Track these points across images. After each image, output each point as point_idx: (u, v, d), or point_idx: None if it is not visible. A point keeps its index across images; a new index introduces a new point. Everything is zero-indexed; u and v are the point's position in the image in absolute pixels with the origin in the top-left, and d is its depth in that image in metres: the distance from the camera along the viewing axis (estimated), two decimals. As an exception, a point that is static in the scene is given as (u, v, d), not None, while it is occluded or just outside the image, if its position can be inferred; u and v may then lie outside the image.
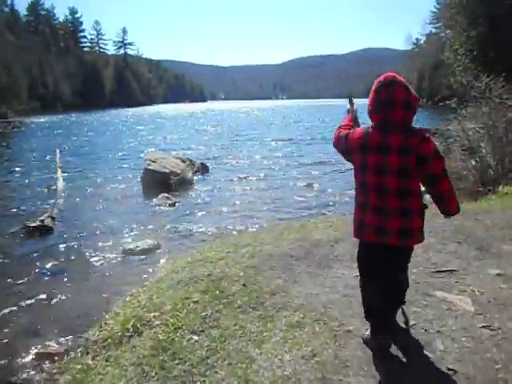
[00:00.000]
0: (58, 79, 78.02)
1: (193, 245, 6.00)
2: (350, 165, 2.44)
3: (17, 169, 13.99)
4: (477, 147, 9.82)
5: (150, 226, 7.37)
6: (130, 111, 66.82)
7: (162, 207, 8.72)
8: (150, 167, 10.90)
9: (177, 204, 8.92)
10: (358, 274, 2.59)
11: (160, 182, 10.62)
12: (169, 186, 10.69)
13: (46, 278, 5.26)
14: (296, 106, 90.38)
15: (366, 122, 2.45)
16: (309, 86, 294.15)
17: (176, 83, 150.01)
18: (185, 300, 3.20)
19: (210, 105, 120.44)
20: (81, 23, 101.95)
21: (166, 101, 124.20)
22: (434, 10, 64.49)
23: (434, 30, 68.10)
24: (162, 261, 5.42)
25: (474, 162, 10.15)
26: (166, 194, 9.36)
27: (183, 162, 12.37)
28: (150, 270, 5.06)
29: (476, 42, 12.75)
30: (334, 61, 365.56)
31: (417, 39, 78.88)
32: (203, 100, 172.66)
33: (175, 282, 3.60)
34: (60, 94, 77.87)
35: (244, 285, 3.31)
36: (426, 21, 73.69)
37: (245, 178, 11.90)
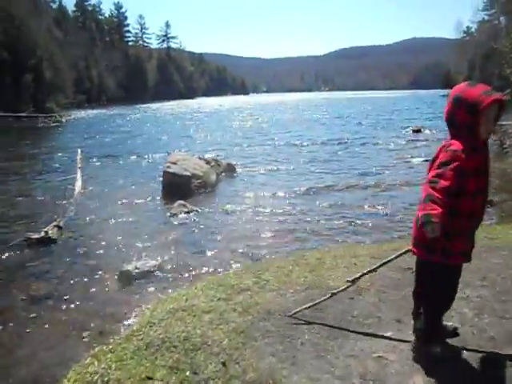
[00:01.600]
0: (102, 73, 79.98)
1: (196, 271, 5.19)
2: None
3: (38, 168, 13.73)
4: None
5: (158, 241, 6.61)
6: (170, 105, 67.03)
7: (176, 217, 7.95)
8: (170, 170, 10.19)
9: (193, 214, 8.11)
10: (379, 354, 2.43)
11: (180, 187, 9.89)
12: (190, 190, 9.95)
13: (22, 306, 4.61)
14: (342, 100, 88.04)
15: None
16: (351, 77, 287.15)
17: (218, 76, 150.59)
18: (145, 382, 2.40)
19: (251, 98, 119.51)
20: (125, 18, 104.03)
21: (207, 93, 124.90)
22: (488, -5, 60.35)
23: (486, 17, 64.00)
24: (153, 289, 4.65)
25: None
26: (183, 202, 8.59)
27: (207, 162, 11.60)
28: (137, 308, 4.28)
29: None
30: (377, 51, 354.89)
31: (467, 27, 74.54)
32: (245, 93, 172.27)
33: (144, 345, 2.80)
34: (105, 87, 79.84)
35: (224, 363, 2.45)
36: (478, 7, 69.22)
37: (276, 184, 10.53)
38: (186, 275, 5.11)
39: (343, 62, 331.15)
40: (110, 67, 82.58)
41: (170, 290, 4.15)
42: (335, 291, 2.91)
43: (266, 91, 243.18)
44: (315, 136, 20.30)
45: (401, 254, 2.95)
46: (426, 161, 12.91)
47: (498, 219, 7.10)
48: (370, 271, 2.89)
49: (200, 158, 11.82)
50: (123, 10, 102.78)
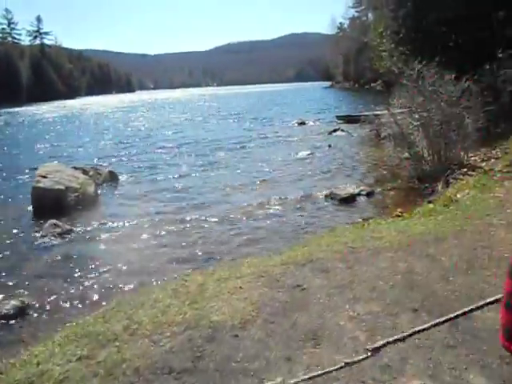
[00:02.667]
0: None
1: (62, 313, 4.43)
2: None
3: None
4: (412, 140, 8.98)
5: (23, 273, 5.63)
6: (46, 107, 61.42)
7: (47, 241, 6.92)
8: (39, 184, 8.96)
9: (67, 235, 7.15)
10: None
11: (53, 203, 8.75)
12: (65, 206, 8.84)
13: None
14: (231, 94, 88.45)
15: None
16: (239, 72, 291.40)
17: (101, 73, 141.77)
18: None
19: (138, 95, 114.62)
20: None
21: (90, 92, 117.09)
22: (356, -7, 65.01)
23: (356, 14, 68.96)
24: (7, 343, 3.82)
25: (407, 154, 9.36)
26: (55, 221, 7.54)
27: (85, 172, 10.48)
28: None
29: (403, 24, 11.99)
30: (262, 46, 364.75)
31: (341, 23, 79.63)
32: (131, 90, 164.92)
33: None
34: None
35: None
36: (348, 5, 74.34)
37: (161, 194, 9.69)
38: (52, 320, 4.32)
39: (230, 57, 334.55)
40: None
41: (29, 347, 3.37)
42: (349, 361, 2.35)
43: (154, 88, 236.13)
44: (203, 137, 19.73)
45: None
46: (311, 154, 13.26)
47: (381, 211, 7.33)
48: (396, 340, 2.47)
49: (76, 168, 10.66)
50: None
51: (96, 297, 4.77)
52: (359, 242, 4.18)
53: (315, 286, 3.29)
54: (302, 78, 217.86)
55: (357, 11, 68.76)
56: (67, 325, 3.38)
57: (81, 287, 5.07)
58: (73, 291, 4.98)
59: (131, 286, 4.84)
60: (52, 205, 8.72)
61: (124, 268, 5.48)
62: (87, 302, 4.69)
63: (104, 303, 4.26)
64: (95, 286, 5.03)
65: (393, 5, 12.28)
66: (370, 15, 53.29)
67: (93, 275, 5.35)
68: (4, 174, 12.91)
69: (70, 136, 23.20)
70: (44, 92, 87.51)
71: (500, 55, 9.91)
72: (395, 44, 13.01)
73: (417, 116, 8.63)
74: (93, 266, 5.66)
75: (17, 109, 55.22)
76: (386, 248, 3.97)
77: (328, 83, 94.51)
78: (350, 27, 71.46)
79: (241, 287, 3.33)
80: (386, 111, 9.63)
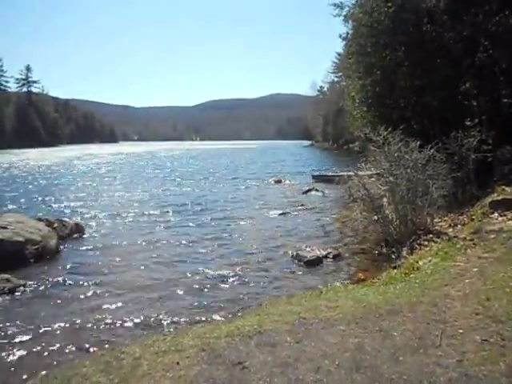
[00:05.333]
0: None
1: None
2: None
3: None
4: (379, 204, 9.04)
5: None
6: (26, 155, 60.97)
7: (-6, 298, 6.51)
8: (-3, 236, 8.63)
9: (17, 291, 6.75)
10: None
11: (11, 256, 8.36)
12: (23, 259, 8.46)
13: None
14: (212, 149, 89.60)
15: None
16: (221, 127, 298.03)
17: (85, 123, 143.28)
18: None
19: (120, 147, 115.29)
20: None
21: (73, 141, 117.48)
22: (336, 60, 68.47)
23: (335, 79, 72.25)
24: None
25: (376, 217, 9.39)
26: (7, 275, 7.17)
27: (49, 224, 10.15)
28: None
29: (371, 90, 12.48)
30: (245, 105, 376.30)
31: (321, 86, 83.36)
32: (114, 140, 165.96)
33: None
34: None
35: None
36: (328, 70, 78.27)
37: (128, 247, 9.50)
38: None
39: (213, 113, 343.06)
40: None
41: None
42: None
43: (138, 140, 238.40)
44: (184, 196, 19.65)
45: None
46: (283, 214, 13.23)
47: (345, 275, 7.20)
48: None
49: (40, 220, 10.33)
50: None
51: (26, 367, 4.32)
52: (312, 313, 4.00)
53: (258, 363, 3.07)
54: (282, 135, 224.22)
55: (336, 76, 72.09)
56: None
57: (15, 352, 4.66)
58: (6, 355, 4.57)
59: (68, 356, 4.44)
60: (9, 257, 8.32)
61: (67, 332, 5.09)
62: (21, 371, 4.28)
63: (32, 378, 3.88)
64: (32, 352, 4.62)
65: (362, 73, 12.83)
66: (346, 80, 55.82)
67: (31, 338, 4.95)
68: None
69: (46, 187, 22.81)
70: (27, 139, 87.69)
71: (467, 123, 10.30)
72: (366, 109, 13.49)
73: (384, 181, 8.74)
74: (35, 327, 5.27)
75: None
76: (339, 320, 3.80)
77: (308, 142, 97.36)
78: (330, 90, 74.63)
79: (178, 363, 3.08)
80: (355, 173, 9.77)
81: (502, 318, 3.62)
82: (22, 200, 16.79)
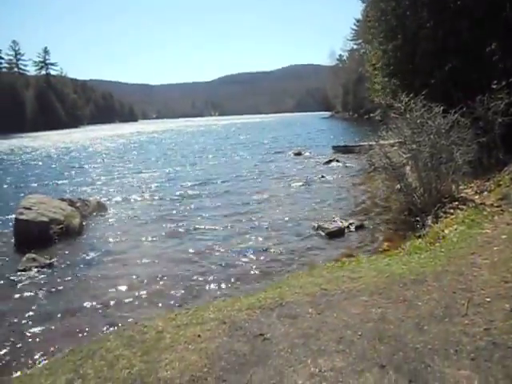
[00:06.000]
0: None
1: (28, 354, 4.15)
2: None
3: None
4: (402, 173, 8.83)
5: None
6: (49, 136, 61.90)
7: (24, 276, 6.67)
8: (22, 217, 8.77)
9: (45, 270, 6.91)
10: None
11: (36, 236, 8.54)
12: (48, 239, 8.64)
13: None
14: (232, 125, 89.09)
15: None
16: (239, 102, 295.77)
17: (104, 103, 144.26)
18: None
19: (140, 125, 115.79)
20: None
21: (93, 121, 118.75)
22: (354, 27, 66.42)
23: (355, 47, 70.27)
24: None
25: (399, 186, 9.19)
26: (34, 255, 7.33)
27: (71, 204, 10.31)
28: None
29: (392, 56, 12.05)
30: (263, 78, 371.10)
31: (340, 55, 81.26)
32: (134, 119, 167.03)
33: None
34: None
35: None
36: (347, 37, 76.01)
37: (151, 225, 9.48)
38: (7, 366, 4.04)
39: (231, 88, 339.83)
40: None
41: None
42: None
43: (156, 117, 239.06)
44: (201, 168, 19.68)
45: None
46: (304, 185, 13.11)
47: (368, 246, 7.10)
48: None
49: (63, 200, 10.49)
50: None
51: (59, 340, 4.47)
52: (334, 284, 3.94)
53: (279, 334, 3.05)
54: (302, 108, 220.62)
55: (355, 44, 70.08)
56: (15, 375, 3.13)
57: (44, 328, 4.79)
58: (37, 331, 4.71)
59: (93, 331, 4.53)
60: (35, 237, 8.52)
61: (91, 309, 5.20)
62: (49, 345, 4.40)
63: (66, 348, 3.99)
64: (60, 328, 4.75)
65: (382, 38, 12.36)
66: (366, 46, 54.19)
67: (59, 315, 5.07)
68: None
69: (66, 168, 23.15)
70: (48, 121, 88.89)
71: (494, 86, 9.84)
72: (387, 76, 13.07)
73: (406, 148, 8.50)
74: (63, 304, 5.41)
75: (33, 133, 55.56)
76: (362, 291, 3.73)
77: (328, 113, 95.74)
78: (349, 59, 72.75)
79: (199, 336, 3.09)
80: (377, 144, 9.53)
81: (533, 286, 3.49)
82: (46, 182, 17.11)
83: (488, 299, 3.38)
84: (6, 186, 16.46)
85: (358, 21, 59.87)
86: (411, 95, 8.48)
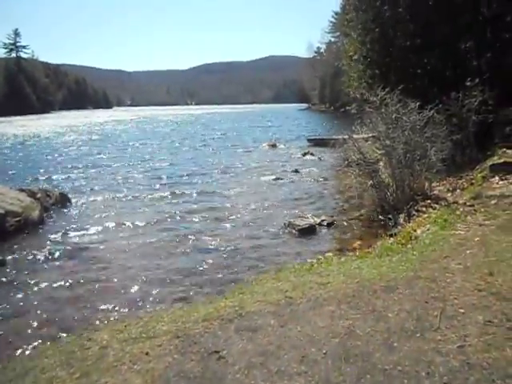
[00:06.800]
0: None
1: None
2: None
3: None
4: (376, 168, 8.64)
5: None
6: (18, 122, 59.70)
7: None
8: (-25, 208, 8.24)
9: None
10: None
11: (-10, 229, 8.02)
12: (4, 232, 8.10)
13: None
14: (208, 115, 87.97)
15: None
16: (216, 91, 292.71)
17: (77, 88, 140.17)
18: None
19: (114, 112, 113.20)
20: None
21: (66, 107, 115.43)
22: (332, 20, 66.25)
23: (332, 39, 70.19)
24: None
25: (371, 182, 9.02)
26: (-16, 250, 6.86)
27: (32, 194, 9.74)
28: None
29: (370, 49, 11.85)
30: (239, 67, 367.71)
31: (318, 47, 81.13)
32: (108, 106, 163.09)
33: None
34: None
35: None
36: (325, 30, 75.86)
37: (114, 217, 9.08)
38: None
39: (207, 77, 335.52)
40: None
41: None
42: None
43: (131, 105, 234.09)
44: (170, 162, 19.13)
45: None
46: (276, 180, 12.84)
47: (339, 244, 6.89)
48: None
49: (21, 190, 9.90)
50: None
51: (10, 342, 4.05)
52: (300, 291, 3.67)
53: (236, 352, 2.75)
54: (279, 99, 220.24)
55: (333, 36, 70.01)
56: None
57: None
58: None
59: (44, 337, 4.11)
60: (-11, 231, 7.98)
61: (42, 312, 4.78)
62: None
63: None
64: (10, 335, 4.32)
65: (360, 30, 12.14)
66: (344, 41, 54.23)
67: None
68: None
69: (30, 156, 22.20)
70: (18, 105, 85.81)
71: (468, 83, 9.76)
72: (364, 68, 12.87)
73: (380, 144, 8.31)
74: (8, 306, 4.96)
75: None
76: (329, 299, 3.47)
77: (304, 105, 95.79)
78: (327, 52, 72.69)
79: (147, 353, 2.76)
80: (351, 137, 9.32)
81: (507, 295, 3.31)
82: (6, 171, 16.26)
83: (461, 310, 3.18)
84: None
85: (336, 13, 59.69)
86: (387, 89, 8.28)
